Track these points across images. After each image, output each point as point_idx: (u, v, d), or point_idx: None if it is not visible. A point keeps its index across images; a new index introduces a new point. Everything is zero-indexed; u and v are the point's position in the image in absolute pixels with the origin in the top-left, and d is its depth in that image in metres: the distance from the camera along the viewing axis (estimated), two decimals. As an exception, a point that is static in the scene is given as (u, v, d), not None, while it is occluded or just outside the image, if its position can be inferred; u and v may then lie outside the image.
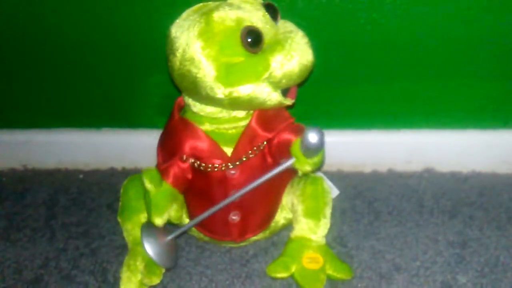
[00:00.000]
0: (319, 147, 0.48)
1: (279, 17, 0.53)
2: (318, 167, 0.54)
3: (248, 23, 0.49)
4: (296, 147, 0.51)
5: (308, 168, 0.51)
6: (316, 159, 0.51)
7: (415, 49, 0.64)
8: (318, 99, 0.69)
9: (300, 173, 0.53)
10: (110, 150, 0.77)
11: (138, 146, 0.74)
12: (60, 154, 0.78)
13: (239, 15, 0.49)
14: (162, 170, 0.56)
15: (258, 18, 0.50)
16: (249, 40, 0.49)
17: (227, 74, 0.49)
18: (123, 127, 0.75)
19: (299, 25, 0.54)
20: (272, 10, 0.52)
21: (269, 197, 0.61)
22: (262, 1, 0.53)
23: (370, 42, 0.63)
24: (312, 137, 0.47)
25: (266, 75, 0.49)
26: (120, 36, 0.66)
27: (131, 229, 0.62)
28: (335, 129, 0.72)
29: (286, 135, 0.54)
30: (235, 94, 0.50)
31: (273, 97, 0.51)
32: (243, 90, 0.50)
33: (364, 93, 0.68)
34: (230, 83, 0.49)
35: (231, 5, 0.50)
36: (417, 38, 0.63)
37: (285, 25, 0.53)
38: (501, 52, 0.64)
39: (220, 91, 0.50)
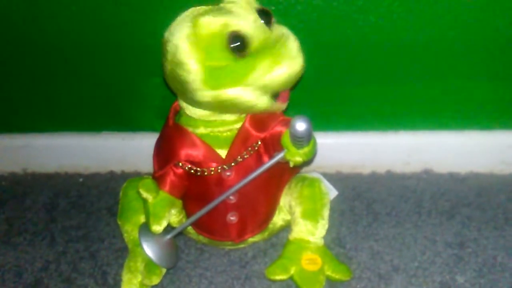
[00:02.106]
0: (307, 136, 0.48)
1: (272, 22, 0.54)
2: (310, 159, 0.53)
3: (234, 28, 0.50)
4: (286, 137, 0.51)
5: (299, 158, 0.51)
6: (306, 149, 0.51)
7: (412, 51, 0.64)
8: (317, 101, 0.69)
9: (291, 164, 0.52)
10: (110, 153, 0.77)
11: (137, 149, 0.75)
12: (60, 158, 0.78)
13: (227, 19, 0.50)
14: (158, 177, 0.57)
15: (248, 22, 0.51)
16: (234, 44, 0.49)
17: (212, 78, 0.50)
18: (122, 130, 0.76)
19: (297, 27, 0.54)
20: (265, 15, 0.52)
21: (267, 198, 0.61)
22: (257, 6, 0.53)
23: (367, 44, 0.64)
24: (300, 125, 0.47)
25: (251, 79, 0.50)
26: (119, 39, 0.66)
27: (131, 230, 0.62)
28: (334, 131, 0.72)
29: (277, 128, 0.55)
30: (220, 98, 0.50)
31: (261, 101, 0.52)
32: (229, 93, 0.50)
33: (362, 95, 0.69)
34: (215, 86, 0.50)
35: (221, 9, 0.51)
36: (415, 40, 0.63)
37: (278, 30, 0.53)
38: (499, 53, 0.64)
39: (207, 94, 0.50)
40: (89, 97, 0.73)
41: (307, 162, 0.55)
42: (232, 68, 0.50)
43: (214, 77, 0.50)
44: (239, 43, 0.49)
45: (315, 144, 0.52)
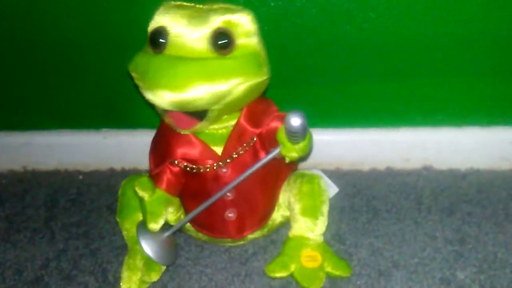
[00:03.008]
0: (303, 131, 0.48)
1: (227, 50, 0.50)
2: (306, 154, 0.53)
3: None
4: (281, 133, 0.51)
5: (294, 154, 0.51)
6: (302, 145, 0.50)
7: (412, 47, 0.64)
8: (316, 98, 0.69)
9: (287, 159, 0.52)
10: (110, 151, 0.77)
11: (137, 146, 0.74)
12: (60, 155, 0.78)
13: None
14: (154, 175, 0.57)
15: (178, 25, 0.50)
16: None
17: None
18: (122, 128, 0.76)
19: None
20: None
21: (265, 195, 0.61)
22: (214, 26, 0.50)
23: (367, 40, 0.64)
24: (295, 120, 0.47)
25: None
26: (118, 36, 0.66)
27: (130, 228, 0.62)
28: (333, 127, 0.72)
29: (273, 124, 0.55)
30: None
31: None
32: None
33: (362, 91, 0.69)
34: None
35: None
36: (414, 36, 0.63)
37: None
38: (498, 49, 0.64)
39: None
40: (89, 94, 0.73)
41: (303, 157, 0.54)
42: None
43: None
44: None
45: (310, 139, 0.52)
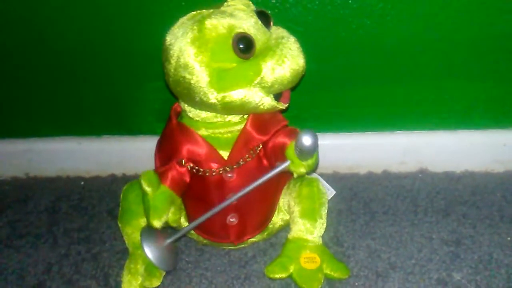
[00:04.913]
0: (313, 150, 0.50)
1: (271, 24, 0.55)
2: (313, 169, 0.55)
3: (240, 30, 0.51)
4: (290, 150, 0.52)
5: (303, 170, 0.52)
6: (310, 162, 0.52)
7: (406, 53, 0.65)
8: (313, 102, 0.70)
9: (295, 175, 0.54)
10: (111, 157, 0.78)
11: (138, 152, 0.75)
12: (61, 161, 0.79)
13: (231, 22, 0.51)
14: (160, 173, 0.57)
15: (250, 25, 0.52)
16: (241, 46, 0.50)
17: (219, 80, 0.50)
18: (123, 134, 0.77)
19: (293, 30, 0.56)
20: (264, 17, 0.54)
21: (266, 199, 0.62)
22: (255, 8, 0.54)
23: (362, 46, 0.65)
24: (306, 140, 0.48)
25: (258, 80, 0.51)
26: (119, 44, 0.67)
27: (131, 233, 0.63)
28: (330, 132, 0.73)
29: (281, 139, 0.55)
30: (227, 99, 0.51)
31: (265, 102, 0.53)
32: (235, 95, 0.51)
33: (358, 96, 0.70)
34: (222, 88, 0.51)
35: (223, 12, 0.52)
36: (409, 42, 0.64)
37: (277, 31, 0.55)
38: (491, 54, 0.65)
39: (213, 96, 0.51)
40: (90, 101, 0.74)
41: (310, 172, 0.56)
42: (239, 70, 0.51)
43: (221, 79, 0.51)
44: (245, 45, 0.51)
45: (318, 156, 0.53)
